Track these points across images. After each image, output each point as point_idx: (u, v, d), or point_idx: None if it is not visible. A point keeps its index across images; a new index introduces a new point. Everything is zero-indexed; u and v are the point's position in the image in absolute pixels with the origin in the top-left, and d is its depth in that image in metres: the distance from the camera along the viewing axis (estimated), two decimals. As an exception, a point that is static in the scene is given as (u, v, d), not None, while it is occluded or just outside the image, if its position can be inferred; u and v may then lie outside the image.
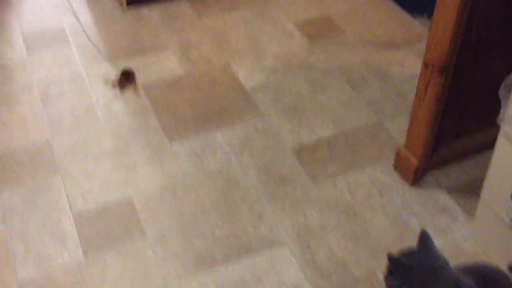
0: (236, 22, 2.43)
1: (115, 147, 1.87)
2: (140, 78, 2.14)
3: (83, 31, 2.33)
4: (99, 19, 2.43)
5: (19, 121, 1.95)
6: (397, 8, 2.50)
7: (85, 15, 2.45)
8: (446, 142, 1.69)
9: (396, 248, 1.51)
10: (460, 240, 1.56)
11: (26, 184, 1.74)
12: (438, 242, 1.53)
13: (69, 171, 1.78)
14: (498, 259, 1.45)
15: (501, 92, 1.25)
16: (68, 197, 1.70)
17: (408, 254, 1.10)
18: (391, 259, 1.09)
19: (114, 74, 2.14)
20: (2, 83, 2.10)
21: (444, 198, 1.67)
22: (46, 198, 1.70)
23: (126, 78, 2.14)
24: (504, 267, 1.27)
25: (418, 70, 1.57)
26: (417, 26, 2.39)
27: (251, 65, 2.20)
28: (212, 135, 1.90)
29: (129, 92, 2.06)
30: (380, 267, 1.49)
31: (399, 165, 1.72)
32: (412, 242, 1.40)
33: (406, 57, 2.22)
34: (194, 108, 2.01)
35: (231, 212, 1.66)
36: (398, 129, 1.90)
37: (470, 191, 1.68)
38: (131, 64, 2.20)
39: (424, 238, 1.12)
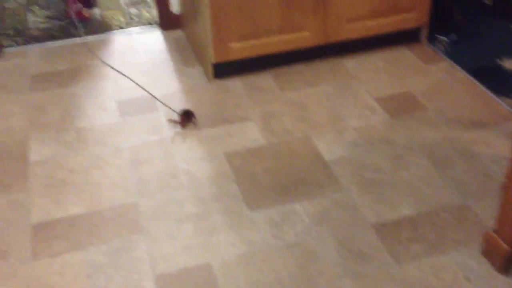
0: (317, 96, 2.48)
1: (196, 212, 1.91)
2: (223, 146, 2.21)
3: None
4: (187, 89, 2.57)
5: (108, 182, 2.05)
6: (481, 88, 2.48)
7: (174, 85, 2.59)
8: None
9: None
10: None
11: (112, 243, 1.80)
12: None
13: (152, 232, 1.84)
14: None
15: None
16: (150, 258, 1.74)
17: None
18: None
19: (177, 115, 2.29)
20: (96, 145, 2.24)
21: (536, 288, 1.58)
22: (130, 257, 1.75)
23: (187, 118, 2.31)
24: None
25: (506, 151, 1.53)
26: (502, 106, 2.35)
27: (332, 138, 2.22)
28: (292, 206, 1.92)
29: (191, 137, 2.13)
30: None
31: (488, 251, 1.65)
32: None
33: (493, 138, 2.17)
34: (274, 178, 2.04)
35: (309, 285, 1.63)
36: (485, 211, 1.84)
37: None
38: (216, 131, 2.28)
39: None
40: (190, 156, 2.17)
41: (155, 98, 2.45)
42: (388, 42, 2.77)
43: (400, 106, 2.39)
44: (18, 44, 2.93)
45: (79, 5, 3.12)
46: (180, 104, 2.46)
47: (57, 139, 2.27)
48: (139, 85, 2.54)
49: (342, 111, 2.38)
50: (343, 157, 2.13)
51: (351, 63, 2.69)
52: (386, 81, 2.55)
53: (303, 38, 2.57)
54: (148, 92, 2.50)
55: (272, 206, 1.92)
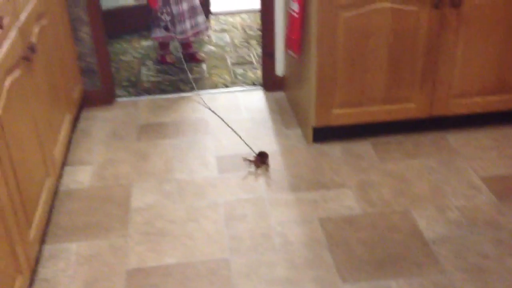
0: (419, 169, 2.41)
1: (287, 276, 1.88)
2: (318, 211, 2.19)
3: (244, 141, 2.48)
4: (285, 150, 2.59)
5: (203, 236, 2.08)
6: None
7: (273, 145, 2.63)
8: None
9: None
10: None
11: (202, 299, 1.81)
12: None
13: (242, 293, 1.82)
14: None
15: None
16: (238, 320, 1.72)
17: None
18: None
19: (253, 156, 2.34)
20: (194, 198, 2.29)
21: None
22: (218, 316, 1.74)
23: (261, 159, 2.44)
24: None
25: None
26: None
27: (433, 215, 2.14)
28: (387, 283, 1.84)
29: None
30: None
31: None
32: None
33: None
34: (369, 250, 1.98)
35: None
36: None
37: None
38: (311, 195, 2.27)
39: None
40: (284, 218, 2.16)
41: (244, 142, 2.50)
42: (497, 120, 2.66)
43: (509, 188, 2.26)
44: (130, 94, 3.12)
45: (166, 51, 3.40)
46: (277, 164, 2.48)
47: (158, 188, 2.36)
48: (240, 137, 2.60)
49: (445, 187, 2.29)
50: (444, 236, 2.03)
51: (456, 139, 2.61)
52: (494, 160, 2.44)
53: (408, 109, 2.54)
54: (245, 142, 2.55)
55: (366, 280, 1.86)
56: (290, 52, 2.59)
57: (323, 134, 2.60)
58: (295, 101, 2.84)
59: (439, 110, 2.55)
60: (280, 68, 3.06)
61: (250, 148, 2.55)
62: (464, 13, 2.34)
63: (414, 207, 2.19)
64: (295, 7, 2.41)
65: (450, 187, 2.29)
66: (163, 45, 3.46)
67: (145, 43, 3.74)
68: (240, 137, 2.64)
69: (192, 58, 3.43)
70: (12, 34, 1.84)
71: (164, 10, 3.22)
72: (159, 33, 3.31)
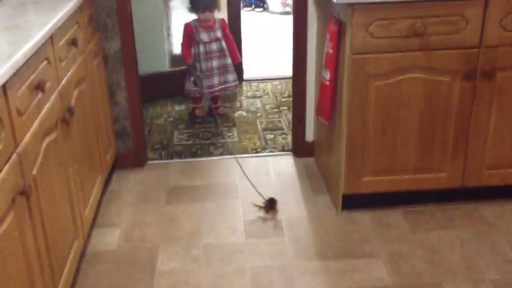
0: (451, 241, 2.35)
1: None
2: (346, 281, 2.13)
3: (253, 185, 2.45)
4: (313, 217, 2.56)
5: (228, 303, 2.05)
6: None
7: (301, 211, 2.61)
8: None
9: None
10: None
11: None
12: None
13: None
14: None
15: None
16: None
17: None
18: None
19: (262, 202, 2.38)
20: (220, 264, 2.27)
21: None
22: None
23: (271, 205, 2.59)
24: None
25: None
26: None
27: (467, 289, 2.06)
28: None
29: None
30: None
31: None
32: None
33: None
34: (400, 325, 1.90)
35: None
36: None
37: None
38: (340, 265, 2.22)
39: None
40: (311, 287, 2.11)
41: (255, 188, 2.52)
42: (532, 192, 2.60)
43: (546, 264, 2.18)
44: (161, 157, 3.17)
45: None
46: (305, 231, 2.45)
47: (185, 252, 2.34)
48: (250, 182, 2.61)
49: (478, 260, 2.22)
50: (479, 312, 1.94)
51: (489, 211, 2.55)
52: (530, 234, 2.37)
53: (439, 179, 2.50)
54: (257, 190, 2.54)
55: None
56: (321, 119, 2.61)
57: (353, 202, 2.57)
58: (325, 168, 2.84)
59: (472, 181, 2.51)
60: (310, 135, 3.08)
61: (260, 194, 2.62)
62: (497, 84, 2.34)
63: (446, 280, 2.11)
64: (327, 75, 2.46)
65: (483, 260, 2.22)
66: (195, 99, 3.66)
67: (178, 107, 3.84)
68: (250, 181, 2.70)
69: (213, 112, 3.61)
70: (53, 97, 1.92)
71: (195, 66, 3.47)
72: (189, 86, 3.57)
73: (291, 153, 3.17)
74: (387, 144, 2.44)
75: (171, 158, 3.16)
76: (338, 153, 2.51)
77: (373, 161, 2.46)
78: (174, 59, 4.05)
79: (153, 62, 3.91)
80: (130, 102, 2.95)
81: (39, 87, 1.75)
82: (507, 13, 2.25)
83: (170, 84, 3.97)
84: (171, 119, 3.67)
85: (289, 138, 3.28)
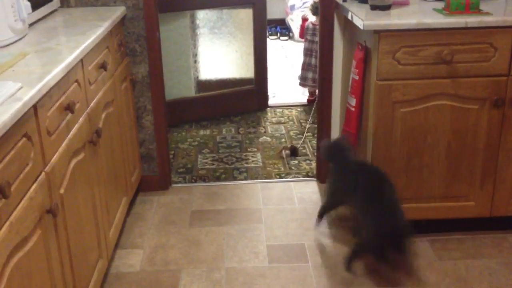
0: (479, 270, 2.29)
1: None
2: (371, 310, 2.09)
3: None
4: (337, 244, 2.53)
5: (250, 329, 2.02)
6: None
7: (324, 238, 2.58)
8: None
9: None
10: None
11: None
12: None
13: None
14: None
15: None
16: None
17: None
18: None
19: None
20: (242, 288, 2.25)
21: None
22: None
23: (293, 152, 3.26)
24: None
25: None
26: None
27: (496, 322, 2.00)
28: None
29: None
30: None
31: None
32: None
33: None
34: None
35: None
36: None
37: None
38: (364, 294, 2.18)
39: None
40: (335, 316, 2.07)
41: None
42: None
43: None
44: (185, 181, 3.19)
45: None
46: (329, 258, 2.42)
47: (207, 276, 2.33)
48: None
49: (508, 293, 2.16)
50: None
51: (519, 240, 2.49)
52: (562, 266, 2.29)
53: (467, 208, 2.46)
54: (299, 242, 2.50)
55: None
56: (346, 145, 2.60)
57: (378, 229, 2.54)
58: (349, 194, 2.81)
59: (500, 210, 2.46)
60: (334, 161, 3.06)
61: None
62: (525, 112, 2.31)
63: (475, 312, 2.05)
64: (353, 101, 2.46)
65: (514, 292, 2.16)
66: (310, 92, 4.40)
67: (203, 132, 3.86)
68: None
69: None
70: (81, 119, 1.95)
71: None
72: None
73: (315, 179, 3.15)
74: (414, 171, 2.41)
75: (195, 182, 3.17)
76: (363, 179, 2.48)
77: (399, 188, 2.42)
78: (200, 85, 4.10)
79: (179, 88, 3.96)
80: (156, 126, 2.98)
81: (68, 108, 1.79)
82: (536, 41, 2.23)
83: (195, 110, 4.01)
84: (196, 143, 3.69)
85: (314, 164, 3.27)
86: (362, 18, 2.25)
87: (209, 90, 4.12)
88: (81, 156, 1.93)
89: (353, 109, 2.47)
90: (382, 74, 2.27)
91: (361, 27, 2.24)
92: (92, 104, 2.10)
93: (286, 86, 4.76)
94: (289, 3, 6.32)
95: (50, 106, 1.66)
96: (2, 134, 1.31)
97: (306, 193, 3.02)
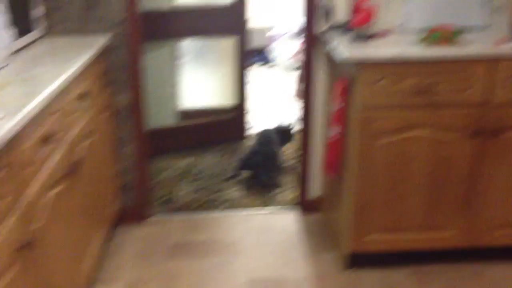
0: (462, 303, 2.29)
1: None
2: None
3: None
4: (319, 275, 2.51)
5: None
6: None
7: (306, 269, 2.56)
8: None
9: None
10: None
11: None
12: None
13: None
14: None
15: None
16: None
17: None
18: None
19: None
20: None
21: None
22: None
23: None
24: None
25: None
26: None
27: None
28: None
29: None
30: None
31: None
32: None
33: None
34: None
35: None
36: None
37: None
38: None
39: None
40: None
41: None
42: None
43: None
44: (165, 212, 3.15)
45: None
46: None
47: (188, 309, 2.28)
48: None
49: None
50: None
51: (497, 271, 2.49)
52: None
53: (448, 238, 2.46)
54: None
55: None
56: (328, 175, 2.60)
57: (359, 260, 2.53)
58: (331, 224, 2.81)
59: (481, 240, 2.47)
60: (316, 189, 3.06)
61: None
62: (504, 143, 2.34)
63: None
64: (335, 131, 2.47)
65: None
66: None
67: (184, 161, 3.84)
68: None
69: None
70: (62, 149, 1.92)
71: None
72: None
73: (296, 208, 3.14)
74: (395, 201, 2.41)
75: (175, 213, 3.13)
76: (345, 210, 2.48)
77: (380, 219, 2.43)
78: (182, 114, 4.09)
79: (161, 117, 3.94)
80: (137, 156, 2.95)
81: (49, 138, 1.76)
82: (514, 73, 2.28)
83: (177, 139, 3.99)
84: (177, 173, 3.66)
85: (295, 194, 3.26)
86: (344, 50, 2.28)
87: (191, 119, 4.11)
88: (60, 188, 1.89)
89: (335, 139, 2.48)
90: (363, 104, 2.29)
91: (344, 58, 2.27)
92: (73, 134, 2.07)
93: (266, 114, 4.77)
94: (271, 32, 6.39)
95: (30, 136, 1.63)
96: (-21, 166, 1.28)
97: (287, 223, 3.00)
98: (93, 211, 2.38)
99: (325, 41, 2.64)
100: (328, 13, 2.76)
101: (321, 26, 2.76)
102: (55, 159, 1.85)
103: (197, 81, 4.12)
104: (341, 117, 2.43)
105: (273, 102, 5.17)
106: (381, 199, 2.41)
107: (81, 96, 2.21)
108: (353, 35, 2.45)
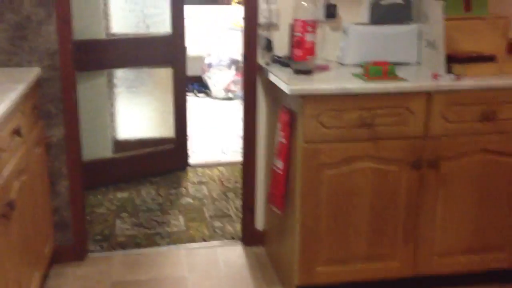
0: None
1: None
2: None
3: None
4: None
5: None
6: None
7: (255, 305, 2.50)
8: None
9: None
10: None
11: None
12: None
13: None
14: None
15: None
16: None
17: None
18: None
19: None
20: None
21: None
22: None
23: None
24: None
25: None
26: None
27: None
28: None
29: None
30: None
31: None
32: None
33: None
34: None
35: None
36: None
37: None
38: None
39: None
40: None
41: None
42: (481, 280, 2.62)
43: None
44: (103, 249, 3.00)
45: None
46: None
47: None
48: None
49: None
50: None
51: (442, 298, 2.54)
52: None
53: (392, 268, 2.49)
54: None
55: None
56: (273, 208, 2.58)
57: (307, 293, 2.50)
58: (277, 257, 2.77)
59: (424, 269, 2.51)
60: (260, 222, 3.03)
61: None
62: (442, 174, 2.41)
63: None
64: (279, 164, 2.45)
65: None
66: None
67: (121, 195, 3.70)
68: None
69: None
70: (-7, 191, 1.78)
71: None
72: None
73: (240, 241, 3.08)
74: (340, 233, 2.42)
75: (114, 250, 2.99)
76: (291, 242, 2.46)
77: (326, 251, 2.43)
78: (118, 145, 3.96)
79: (95, 148, 3.79)
80: (71, 191, 2.81)
81: (-21, 181, 1.63)
82: (449, 105, 2.35)
83: (112, 171, 3.85)
84: (114, 207, 3.52)
85: (238, 226, 3.21)
86: (287, 83, 2.28)
87: (127, 150, 3.98)
88: (-8, 232, 1.75)
89: (280, 171, 2.46)
90: (307, 137, 2.29)
91: (287, 92, 2.27)
92: (5, 174, 1.93)
93: (205, 145, 4.72)
94: (207, 61, 6.37)
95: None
96: None
97: (232, 257, 2.93)
98: (27, 253, 2.22)
99: (266, 72, 2.64)
100: (268, 44, 2.77)
101: (262, 57, 2.76)
102: (-15, 202, 1.71)
103: (133, 111, 4.01)
104: (284, 152, 2.42)
105: (212, 130, 5.12)
106: (326, 231, 2.40)
107: (12, 133, 2.07)
108: (295, 67, 2.46)
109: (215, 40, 6.49)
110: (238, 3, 6.75)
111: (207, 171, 4.14)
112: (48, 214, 2.68)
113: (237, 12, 6.60)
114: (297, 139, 2.33)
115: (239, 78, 6.23)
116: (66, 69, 2.66)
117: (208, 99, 6.36)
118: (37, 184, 2.45)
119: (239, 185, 3.82)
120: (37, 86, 2.60)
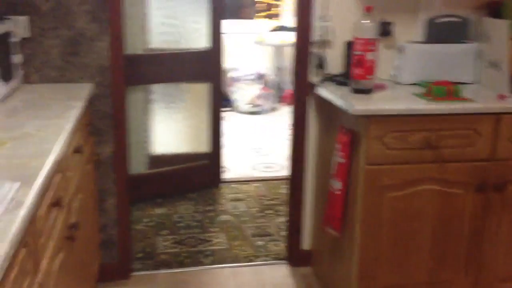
0: None
1: None
2: None
3: None
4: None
5: None
6: None
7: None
8: None
9: None
10: None
11: None
12: None
13: None
14: None
15: None
16: None
17: None
18: None
19: None
20: None
21: None
22: None
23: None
24: None
25: None
26: None
27: None
28: None
29: None
30: None
31: None
32: None
33: None
34: None
35: None
36: None
37: None
38: None
39: None
40: None
41: None
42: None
43: None
44: (147, 268, 2.94)
45: None
46: None
47: None
48: None
49: None
50: None
51: (503, 325, 2.47)
52: None
53: (454, 293, 2.42)
54: None
55: None
56: (330, 230, 2.51)
57: (363, 318, 2.43)
58: (328, 280, 2.70)
59: (485, 296, 2.45)
60: (306, 242, 2.96)
61: None
62: (508, 197, 2.35)
63: None
64: (338, 185, 2.39)
65: None
66: None
67: (158, 211, 3.65)
68: None
69: None
70: (63, 212, 1.73)
71: None
72: None
73: (286, 261, 3.02)
74: (401, 257, 2.35)
75: (158, 269, 2.94)
76: (348, 265, 2.39)
77: (385, 275, 2.36)
78: (154, 161, 3.91)
79: (132, 164, 3.74)
80: (119, 208, 2.76)
81: (57, 204, 1.58)
82: (515, 127, 2.30)
83: (149, 187, 3.80)
84: (152, 223, 3.46)
85: (281, 245, 3.15)
86: (351, 103, 2.23)
87: (162, 165, 3.93)
88: (61, 254, 1.69)
89: (338, 192, 2.40)
90: (371, 158, 2.24)
91: (351, 112, 2.22)
92: (70, 193, 1.89)
93: (236, 160, 4.66)
94: (231, 75, 6.34)
95: (42, 204, 1.45)
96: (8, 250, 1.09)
97: (279, 278, 2.87)
98: (83, 270, 2.17)
99: (319, 90, 2.59)
100: (321, 62, 2.73)
101: (315, 74, 2.72)
102: (59, 224, 1.66)
103: (170, 126, 3.97)
104: (344, 172, 2.37)
105: (242, 145, 5.07)
106: (386, 255, 2.34)
107: (76, 151, 2.03)
108: (354, 86, 2.42)
109: (239, 54, 6.47)
110: (266, 17, 6.74)
111: (243, 187, 4.08)
112: (96, 232, 2.63)
113: (260, 27, 6.59)
114: (359, 160, 2.27)
115: (265, 92, 6.20)
116: (117, 85, 2.63)
117: (232, 113, 6.32)
118: (89, 202, 2.41)
119: (276, 202, 3.78)
120: (89, 103, 2.56)
